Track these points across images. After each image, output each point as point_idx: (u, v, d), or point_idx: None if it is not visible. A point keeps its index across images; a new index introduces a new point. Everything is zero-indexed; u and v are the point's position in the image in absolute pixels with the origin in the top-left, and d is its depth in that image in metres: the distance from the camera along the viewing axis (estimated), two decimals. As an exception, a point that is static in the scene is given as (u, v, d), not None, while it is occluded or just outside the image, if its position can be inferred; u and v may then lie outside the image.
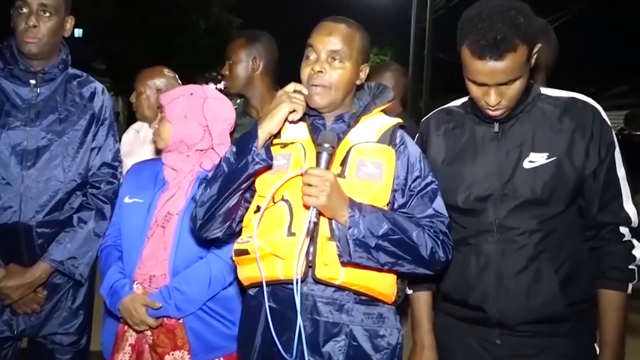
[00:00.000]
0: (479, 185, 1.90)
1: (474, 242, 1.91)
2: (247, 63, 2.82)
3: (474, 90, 1.83)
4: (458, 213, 1.94)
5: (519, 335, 1.87)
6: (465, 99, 2.03)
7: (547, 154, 1.85)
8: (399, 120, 1.96)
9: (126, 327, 2.22)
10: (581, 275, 1.87)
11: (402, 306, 2.02)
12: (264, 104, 2.79)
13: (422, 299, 2.04)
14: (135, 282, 2.21)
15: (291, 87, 1.87)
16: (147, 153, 3.12)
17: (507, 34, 1.70)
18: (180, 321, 2.17)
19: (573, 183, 1.85)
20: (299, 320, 1.72)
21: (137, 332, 2.20)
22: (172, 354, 2.17)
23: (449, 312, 2.01)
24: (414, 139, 2.01)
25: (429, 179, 1.90)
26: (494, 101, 1.79)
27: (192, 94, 2.26)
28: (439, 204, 1.89)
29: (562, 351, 1.87)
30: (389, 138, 1.88)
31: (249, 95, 2.86)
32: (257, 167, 1.80)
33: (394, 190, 1.85)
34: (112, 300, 2.18)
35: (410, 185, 1.87)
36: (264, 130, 1.82)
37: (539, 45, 1.80)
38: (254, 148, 1.79)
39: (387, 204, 1.83)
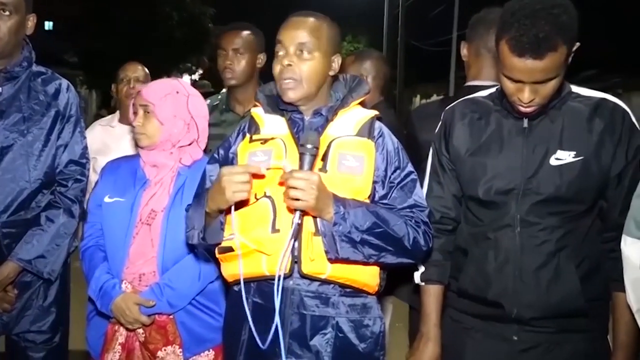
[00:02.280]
0: (501, 178, 1.88)
1: (493, 237, 1.90)
2: (254, 56, 2.82)
3: (508, 85, 1.79)
4: (478, 205, 1.94)
5: (537, 331, 1.87)
6: (492, 89, 2.02)
7: (574, 152, 1.82)
8: (376, 112, 1.97)
9: (116, 327, 2.22)
10: (599, 272, 1.87)
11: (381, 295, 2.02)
12: (250, 100, 2.78)
13: (433, 292, 2.02)
14: (124, 281, 2.21)
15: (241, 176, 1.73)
16: (127, 149, 3.09)
17: (550, 33, 1.65)
18: (171, 317, 2.19)
19: (598, 184, 1.84)
20: (276, 318, 1.71)
21: (129, 330, 2.20)
22: (164, 350, 2.19)
23: (461, 308, 2.00)
24: (394, 129, 2.01)
25: (408, 169, 1.92)
26: (528, 98, 1.77)
27: (177, 92, 2.24)
28: (419, 194, 1.91)
29: (578, 346, 1.87)
30: (367, 131, 1.89)
31: (243, 88, 2.84)
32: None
33: (374, 182, 1.86)
34: (104, 302, 2.18)
35: (390, 177, 1.88)
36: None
37: (578, 44, 1.75)
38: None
39: (368, 197, 1.85)
